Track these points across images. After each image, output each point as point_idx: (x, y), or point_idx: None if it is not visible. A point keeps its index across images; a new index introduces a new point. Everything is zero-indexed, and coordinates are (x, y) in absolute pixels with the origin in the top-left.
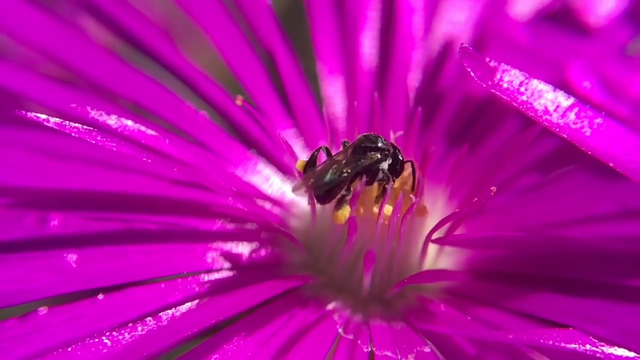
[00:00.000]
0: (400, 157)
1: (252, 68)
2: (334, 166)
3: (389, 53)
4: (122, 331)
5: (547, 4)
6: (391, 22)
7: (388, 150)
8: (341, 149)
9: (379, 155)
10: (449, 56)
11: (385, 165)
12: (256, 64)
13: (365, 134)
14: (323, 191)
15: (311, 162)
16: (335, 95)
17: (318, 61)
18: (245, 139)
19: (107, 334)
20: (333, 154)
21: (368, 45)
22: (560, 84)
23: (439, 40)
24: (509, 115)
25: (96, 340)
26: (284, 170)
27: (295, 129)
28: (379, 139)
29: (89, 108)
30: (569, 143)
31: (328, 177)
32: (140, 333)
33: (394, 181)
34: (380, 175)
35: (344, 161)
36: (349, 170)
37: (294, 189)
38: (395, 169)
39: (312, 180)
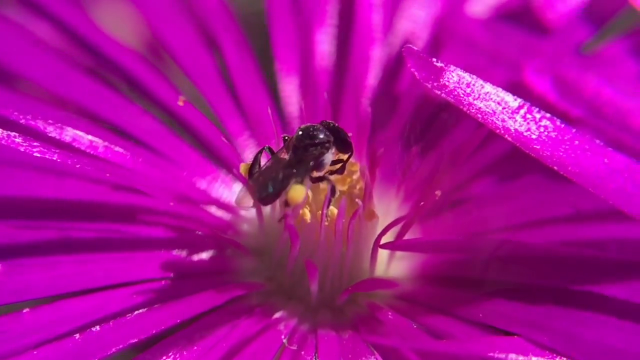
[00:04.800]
0: (341, 134)
1: (202, 64)
2: (274, 172)
3: (347, 51)
4: (48, 348)
5: (505, 2)
6: (350, 19)
7: (329, 141)
8: (283, 145)
9: (320, 149)
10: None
11: (329, 155)
12: (208, 62)
13: (303, 127)
14: (268, 200)
15: (254, 165)
16: (291, 95)
17: (276, 60)
18: (196, 141)
19: (32, 351)
20: (276, 152)
21: (325, 43)
22: (517, 84)
23: (399, 39)
24: (465, 118)
25: (19, 358)
26: (234, 172)
27: (248, 130)
28: (318, 131)
29: (25, 114)
30: None
31: (270, 188)
32: (68, 348)
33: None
34: (326, 167)
35: (287, 159)
36: (294, 171)
37: (237, 202)
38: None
39: (256, 192)
